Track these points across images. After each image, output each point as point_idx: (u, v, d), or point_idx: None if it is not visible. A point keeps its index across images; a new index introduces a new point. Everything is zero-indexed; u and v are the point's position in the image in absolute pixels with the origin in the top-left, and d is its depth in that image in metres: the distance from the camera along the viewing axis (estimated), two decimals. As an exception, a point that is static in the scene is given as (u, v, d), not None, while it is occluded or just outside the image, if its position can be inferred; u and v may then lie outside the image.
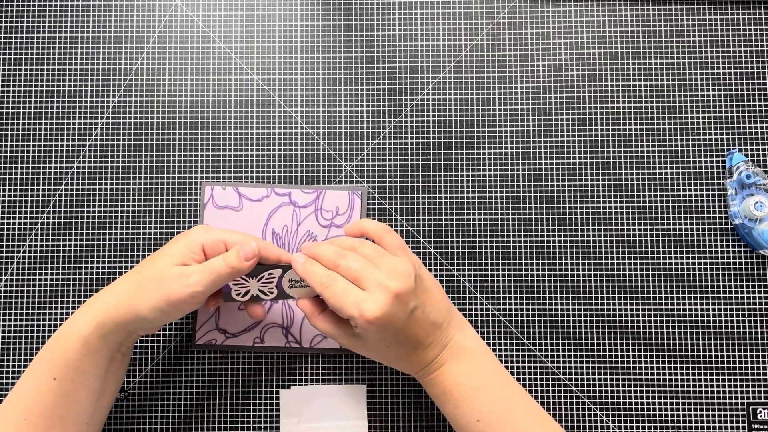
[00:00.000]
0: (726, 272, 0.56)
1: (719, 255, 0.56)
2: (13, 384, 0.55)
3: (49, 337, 0.55)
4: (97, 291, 0.55)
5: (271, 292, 0.50)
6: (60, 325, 0.55)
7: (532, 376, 0.55)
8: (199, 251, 0.47)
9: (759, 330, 0.55)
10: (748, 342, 0.55)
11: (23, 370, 0.54)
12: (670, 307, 0.55)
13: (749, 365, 0.55)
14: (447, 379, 0.46)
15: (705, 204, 0.56)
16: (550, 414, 0.54)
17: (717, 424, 0.54)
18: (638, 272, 0.56)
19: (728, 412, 0.54)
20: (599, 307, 0.55)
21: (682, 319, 0.55)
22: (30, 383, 0.46)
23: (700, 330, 0.55)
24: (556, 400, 0.55)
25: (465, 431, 0.46)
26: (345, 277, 0.46)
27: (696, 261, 0.56)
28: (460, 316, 0.49)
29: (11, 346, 0.55)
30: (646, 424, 0.54)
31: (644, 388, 0.55)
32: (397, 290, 0.44)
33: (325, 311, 0.49)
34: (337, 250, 0.47)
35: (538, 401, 0.54)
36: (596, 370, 0.55)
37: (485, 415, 0.45)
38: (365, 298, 0.44)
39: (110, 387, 0.48)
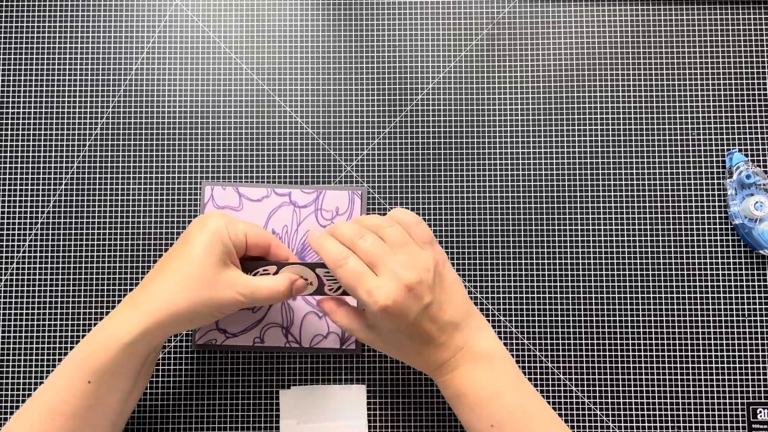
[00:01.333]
0: (726, 272, 0.56)
1: (719, 255, 0.56)
2: (13, 384, 0.55)
3: (48, 337, 0.55)
4: (97, 291, 0.55)
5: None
6: (57, 325, 0.55)
7: (532, 376, 0.55)
8: (233, 252, 0.47)
9: (759, 330, 0.55)
10: (748, 342, 0.55)
11: (23, 370, 0.54)
12: (670, 307, 0.55)
13: (749, 365, 0.55)
14: (462, 382, 0.45)
15: (705, 204, 0.56)
16: (550, 414, 0.54)
17: (717, 424, 0.54)
18: (638, 272, 0.56)
19: (728, 412, 0.54)
20: (599, 307, 0.55)
21: (682, 319, 0.55)
22: (61, 384, 0.44)
23: (700, 330, 0.55)
24: (556, 400, 0.55)
25: None
26: (362, 258, 0.44)
27: (696, 261, 0.56)
28: (482, 319, 0.47)
29: (11, 346, 0.55)
30: (646, 424, 0.54)
31: (644, 388, 0.55)
32: (410, 282, 0.43)
33: (344, 306, 0.48)
34: (357, 229, 0.46)
35: (538, 401, 0.54)
36: (596, 370, 0.55)
37: (499, 421, 0.44)
38: (378, 284, 0.43)
39: (140, 387, 0.48)
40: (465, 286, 0.56)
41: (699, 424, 0.54)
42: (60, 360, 0.54)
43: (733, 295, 0.55)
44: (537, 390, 0.55)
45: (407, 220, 0.46)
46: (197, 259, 0.45)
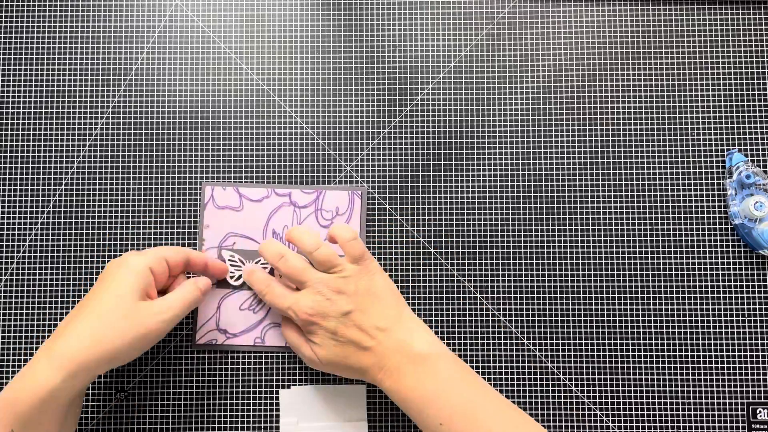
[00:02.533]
0: (726, 272, 0.56)
1: (719, 255, 0.56)
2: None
3: (48, 337, 0.55)
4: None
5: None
6: (57, 325, 0.56)
7: (532, 376, 0.55)
8: (151, 283, 0.48)
9: (759, 330, 0.55)
10: (748, 342, 0.55)
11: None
12: (670, 307, 0.55)
13: (749, 365, 0.55)
14: (405, 386, 0.47)
15: (705, 204, 0.56)
16: (549, 413, 0.54)
17: (717, 424, 0.54)
18: (638, 272, 0.56)
19: (728, 412, 0.54)
20: (599, 307, 0.55)
21: (682, 319, 0.55)
22: None
23: (700, 330, 0.55)
24: (556, 400, 0.55)
25: None
26: (287, 274, 0.51)
27: (696, 261, 0.56)
28: (415, 321, 0.50)
29: (11, 345, 0.55)
30: (646, 424, 0.54)
31: (644, 388, 0.55)
32: (324, 295, 0.50)
33: (291, 323, 0.53)
34: (277, 251, 0.52)
35: (538, 401, 0.54)
36: (596, 370, 0.55)
37: (447, 419, 0.46)
38: (299, 298, 0.50)
39: (69, 426, 0.48)
40: (465, 286, 0.56)
41: (699, 424, 0.54)
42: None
43: (733, 295, 0.55)
44: (537, 391, 0.55)
45: (343, 236, 0.51)
46: (115, 297, 0.46)
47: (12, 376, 0.55)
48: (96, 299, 0.46)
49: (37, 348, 0.55)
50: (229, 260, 0.55)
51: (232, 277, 0.55)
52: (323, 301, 0.49)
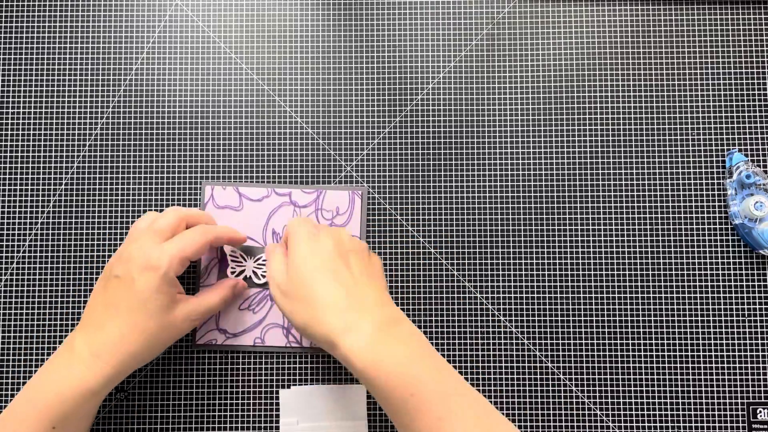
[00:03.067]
0: (726, 272, 0.56)
1: (719, 255, 0.56)
2: (13, 384, 0.55)
3: (48, 337, 0.55)
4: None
5: (264, 276, 0.55)
6: (57, 325, 0.55)
7: (532, 376, 0.55)
8: (175, 282, 0.48)
9: (759, 330, 0.55)
10: (748, 342, 0.55)
11: (23, 370, 0.54)
12: (669, 307, 0.55)
13: (749, 365, 0.55)
14: (375, 350, 0.42)
15: (705, 204, 0.56)
16: (548, 413, 0.54)
17: (717, 424, 0.54)
18: (638, 272, 0.56)
19: (728, 412, 0.54)
20: (599, 306, 0.55)
21: (682, 319, 0.55)
22: (24, 428, 0.45)
23: (700, 330, 0.55)
24: (556, 400, 0.55)
25: (398, 410, 0.42)
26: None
27: (696, 261, 0.56)
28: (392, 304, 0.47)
29: (11, 345, 0.55)
30: (646, 424, 0.54)
31: (644, 388, 0.55)
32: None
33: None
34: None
35: (538, 401, 0.54)
36: (596, 370, 0.55)
37: (419, 389, 0.41)
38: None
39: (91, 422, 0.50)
40: (465, 286, 0.56)
41: (699, 424, 0.54)
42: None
43: (733, 295, 0.55)
44: (537, 391, 0.55)
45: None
46: (150, 311, 0.47)
47: (11, 376, 0.55)
48: (131, 310, 0.47)
49: (37, 348, 0.55)
50: (230, 255, 0.55)
51: (233, 273, 0.55)
52: (323, 230, 0.49)
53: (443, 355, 0.55)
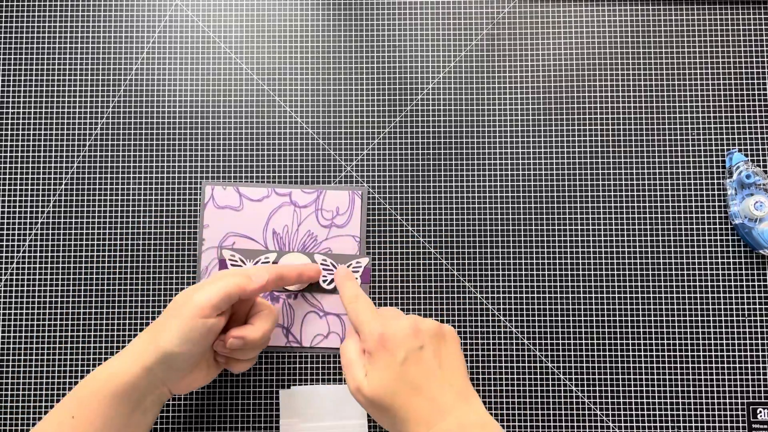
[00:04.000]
0: (726, 272, 0.56)
1: (719, 255, 0.56)
2: (13, 383, 0.55)
3: (48, 337, 0.55)
4: (97, 291, 0.55)
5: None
6: (57, 325, 0.55)
7: (532, 376, 0.55)
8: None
9: (759, 330, 0.55)
10: (748, 342, 0.55)
11: (23, 370, 0.54)
12: (669, 306, 0.55)
13: (749, 365, 0.55)
14: None
15: (705, 204, 0.57)
16: (548, 413, 0.54)
17: (717, 424, 0.54)
18: (638, 272, 0.56)
19: (728, 412, 0.54)
20: (599, 306, 0.55)
21: (682, 318, 0.55)
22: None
23: (700, 330, 0.55)
24: (556, 400, 0.55)
25: None
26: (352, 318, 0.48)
27: (696, 261, 0.56)
28: (475, 396, 0.46)
29: (11, 345, 0.55)
30: (646, 424, 0.54)
31: (644, 388, 0.55)
32: (408, 329, 0.45)
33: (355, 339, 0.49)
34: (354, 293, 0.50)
35: (537, 401, 0.54)
36: (596, 370, 0.55)
37: None
38: (387, 321, 0.46)
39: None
40: (465, 286, 0.56)
41: (699, 424, 0.54)
42: (59, 359, 0.54)
43: (733, 295, 0.55)
44: (537, 391, 0.55)
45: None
46: (208, 334, 0.46)
47: (11, 376, 0.55)
48: (194, 327, 0.46)
49: (37, 348, 0.55)
50: (229, 259, 0.55)
51: None
52: (409, 333, 0.45)
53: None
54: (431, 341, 0.45)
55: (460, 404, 0.44)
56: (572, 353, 0.55)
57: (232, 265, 0.55)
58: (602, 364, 0.55)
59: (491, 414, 0.54)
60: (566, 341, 0.55)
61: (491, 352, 0.55)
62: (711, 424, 0.54)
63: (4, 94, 0.58)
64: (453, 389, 0.44)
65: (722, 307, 0.55)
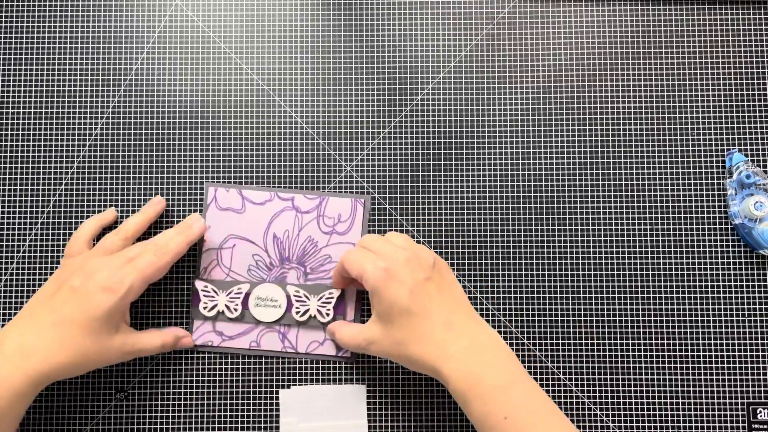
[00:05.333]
0: (726, 272, 0.56)
1: (719, 255, 0.56)
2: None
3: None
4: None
5: (236, 309, 0.54)
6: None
7: (532, 376, 0.55)
8: (126, 311, 0.51)
9: (759, 330, 0.55)
10: (748, 342, 0.55)
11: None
12: (669, 307, 0.55)
13: (749, 365, 0.55)
14: (473, 373, 0.45)
15: (705, 204, 0.57)
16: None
17: (717, 424, 0.54)
18: (638, 272, 0.56)
19: (728, 412, 0.54)
20: (599, 306, 0.56)
21: (682, 319, 0.55)
22: None
23: (700, 330, 0.55)
24: (556, 399, 0.55)
25: (491, 431, 0.45)
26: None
27: (696, 261, 0.56)
28: (479, 317, 0.50)
29: (11, 346, 0.55)
30: (646, 424, 0.54)
31: (644, 388, 0.55)
32: (408, 257, 0.49)
33: (343, 325, 0.53)
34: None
35: (538, 401, 0.54)
36: (596, 370, 0.55)
37: (512, 413, 0.44)
38: (374, 259, 0.48)
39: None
40: (465, 286, 0.56)
41: (699, 424, 0.54)
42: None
43: (733, 295, 0.55)
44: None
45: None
46: (93, 330, 0.47)
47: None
48: (75, 325, 0.47)
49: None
50: (202, 291, 0.55)
51: (205, 308, 0.54)
52: (413, 264, 0.48)
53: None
54: (433, 272, 0.49)
55: (471, 325, 0.48)
56: (572, 353, 0.55)
57: (204, 295, 0.54)
58: (602, 365, 0.55)
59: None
60: (566, 341, 0.55)
61: (491, 352, 0.55)
62: (711, 424, 0.54)
63: (4, 94, 0.58)
64: (461, 312, 0.48)
65: (722, 307, 0.55)
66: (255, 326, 0.55)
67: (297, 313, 0.54)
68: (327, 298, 0.55)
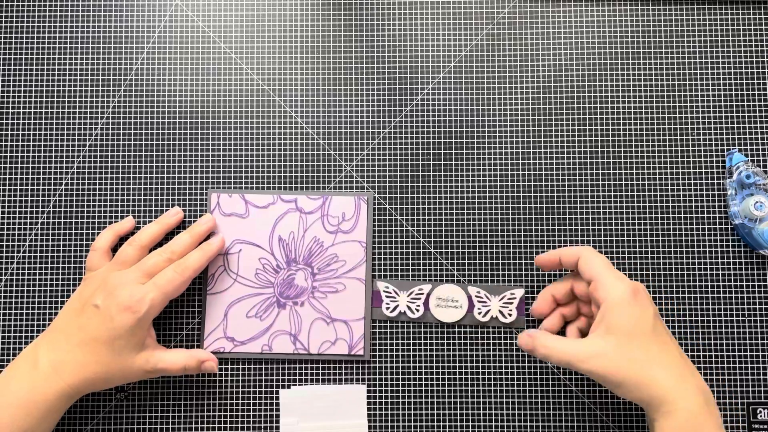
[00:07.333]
0: (726, 272, 0.56)
1: (719, 255, 0.56)
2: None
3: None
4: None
5: (417, 310, 0.54)
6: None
7: (532, 376, 0.55)
8: (151, 327, 0.51)
9: (759, 330, 0.55)
10: (748, 342, 0.55)
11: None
12: (670, 307, 0.55)
13: (749, 365, 0.55)
14: (699, 416, 0.44)
15: (705, 204, 0.57)
16: (548, 413, 0.54)
17: (717, 424, 0.54)
18: (638, 272, 0.56)
19: (728, 412, 0.54)
20: (599, 307, 0.55)
21: (682, 319, 0.55)
22: None
23: (700, 330, 0.55)
24: (556, 400, 0.55)
25: None
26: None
27: (696, 261, 0.56)
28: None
29: (11, 346, 0.55)
30: (646, 425, 0.54)
31: (644, 388, 0.55)
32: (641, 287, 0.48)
33: (548, 336, 0.49)
34: None
35: (538, 401, 0.54)
36: (596, 370, 0.55)
37: None
38: (621, 275, 0.48)
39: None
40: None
41: (699, 424, 0.54)
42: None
43: (733, 295, 0.55)
44: (537, 391, 0.55)
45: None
46: (117, 349, 0.48)
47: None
48: (102, 344, 0.48)
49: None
50: (384, 291, 0.55)
51: (387, 309, 0.55)
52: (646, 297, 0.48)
53: (441, 354, 0.55)
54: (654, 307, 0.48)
55: (692, 373, 0.46)
56: (572, 353, 0.55)
57: (386, 296, 0.55)
58: (602, 364, 0.55)
59: (493, 414, 0.54)
60: (566, 341, 0.55)
61: (491, 352, 0.55)
62: (711, 424, 0.54)
63: (4, 94, 0.58)
64: (683, 358, 0.47)
65: (722, 307, 0.55)
66: (266, 330, 0.55)
67: (479, 313, 0.55)
68: (509, 299, 0.55)
